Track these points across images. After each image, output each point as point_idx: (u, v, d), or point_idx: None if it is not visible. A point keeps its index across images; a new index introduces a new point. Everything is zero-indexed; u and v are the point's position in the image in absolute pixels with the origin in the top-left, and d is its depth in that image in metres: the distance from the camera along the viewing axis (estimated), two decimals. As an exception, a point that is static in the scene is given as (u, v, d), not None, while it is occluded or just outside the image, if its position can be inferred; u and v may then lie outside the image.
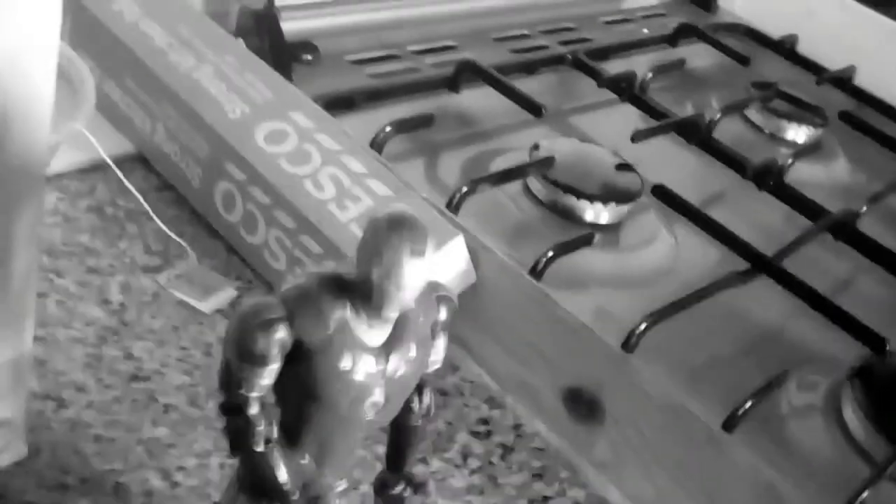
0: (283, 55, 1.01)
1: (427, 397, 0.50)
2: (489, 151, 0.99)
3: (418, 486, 0.52)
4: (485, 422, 0.74)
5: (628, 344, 0.73)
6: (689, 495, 0.68)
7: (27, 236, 0.53)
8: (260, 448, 0.45)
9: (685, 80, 1.24)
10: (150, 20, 0.86)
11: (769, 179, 1.05)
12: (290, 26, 1.03)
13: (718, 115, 1.11)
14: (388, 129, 0.91)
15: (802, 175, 1.08)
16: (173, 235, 0.78)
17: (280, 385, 0.45)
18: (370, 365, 0.44)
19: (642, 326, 0.75)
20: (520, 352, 0.75)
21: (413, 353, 0.46)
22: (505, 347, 0.75)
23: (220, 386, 0.45)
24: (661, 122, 1.08)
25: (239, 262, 0.79)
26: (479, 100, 1.06)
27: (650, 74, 1.16)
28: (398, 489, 0.52)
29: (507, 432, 0.73)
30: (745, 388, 0.73)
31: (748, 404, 0.72)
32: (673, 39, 1.30)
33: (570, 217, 0.92)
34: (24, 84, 0.49)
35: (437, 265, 0.73)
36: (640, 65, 1.19)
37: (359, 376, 0.44)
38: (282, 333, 0.43)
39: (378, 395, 0.45)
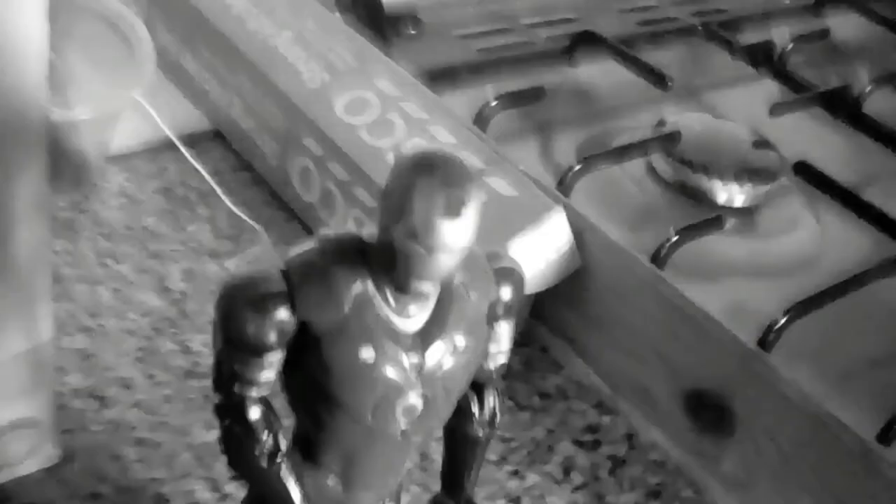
0: (382, 28, 0.93)
1: (490, 400, 0.39)
2: (609, 130, 0.88)
3: None
4: (592, 429, 0.63)
5: (766, 341, 0.62)
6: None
7: (30, 204, 0.46)
8: (263, 463, 0.35)
9: (830, 51, 1.11)
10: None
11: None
12: (393, -1, 0.94)
13: (869, 88, 0.98)
14: (493, 103, 0.81)
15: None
16: (245, 217, 0.70)
17: (290, 383, 0.35)
18: (401, 357, 0.34)
19: (782, 321, 0.63)
20: (634, 349, 0.64)
21: (461, 342, 0.35)
22: (617, 344, 0.65)
23: (213, 383, 0.35)
24: (803, 94, 0.95)
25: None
26: (598, 74, 0.95)
27: (791, 44, 1.04)
28: None
29: (619, 442, 0.63)
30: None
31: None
32: (817, 8, 1.16)
33: (700, 199, 0.80)
34: (14, 24, 0.41)
35: (532, 245, 0.63)
36: (779, 36, 1.06)
37: (385, 371, 0.34)
38: (281, 314, 0.33)
39: (413, 398, 0.35)
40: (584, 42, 0.95)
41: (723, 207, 0.80)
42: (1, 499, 0.52)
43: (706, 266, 0.72)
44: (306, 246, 0.34)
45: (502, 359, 0.39)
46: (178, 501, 0.54)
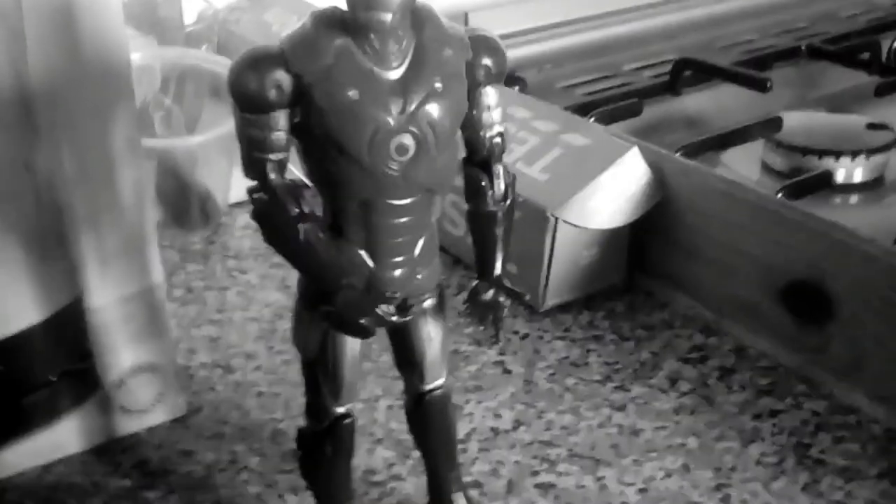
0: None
1: (499, 174, 0.43)
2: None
3: (511, 291, 0.44)
4: (699, 349, 0.64)
5: None
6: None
7: (126, 146, 0.52)
8: (294, 228, 0.39)
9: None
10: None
11: None
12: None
13: None
14: (591, 119, 0.85)
15: None
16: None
17: (302, 147, 0.40)
18: (384, 97, 0.38)
19: None
20: (729, 262, 0.65)
21: (439, 85, 0.39)
22: (711, 262, 0.66)
23: (241, 165, 0.40)
24: (907, 74, 0.95)
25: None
26: (704, 101, 0.98)
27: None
28: (489, 296, 0.44)
29: (726, 356, 0.63)
30: None
31: None
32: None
33: (819, 184, 0.80)
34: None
35: (611, 182, 0.66)
36: (885, 41, 1.07)
37: (372, 109, 0.38)
38: (277, 71, 0.38)
39: (403, 137, 0.38)
40: (685, 69, 0.98)
41: (845, 186, 0.80)
42: (133, 443, 0.57)
43: None
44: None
45: (497, 128, 0.42)
46: (292, 433, 0.57)
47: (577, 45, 1.06)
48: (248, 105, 0.38)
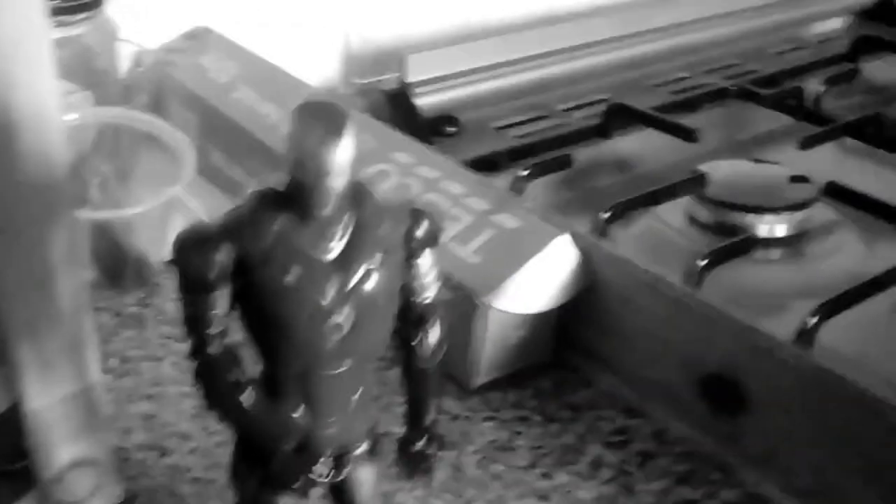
0: (421, 131, 1.00)
1: (434, 334, 0.45)
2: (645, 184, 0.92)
3: (442, 441, 0.46)
4: (621, 432, 0.66)
5: (801, 339, 0.64)
6: (860, 477, 0.57)
7: (66, 254, 0.53)
8: (233, 394, 0.41)
9: (868, 95, 1.13)
10: (267, 102, 0.87)
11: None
12: (428, 100, 1.02)
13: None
14: (524, 172, 0.86)
15: None
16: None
17: (243, 319, 0.41)
18: (320, 280, 0.40)
19: (815, 319, 0.66)
20: (651, 350, 0.67)
21: (376, 264, 0.41)
22: (634, 348, 0.68)
23: (183, 330, 0.42)
24: (831, 125, 0.98)
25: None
26: (634, 144, 1.00)
27: (823, 87, 1.07)
28: (419, 446, 0.46)
29: (647, 440, 0.66)
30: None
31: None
32: (852, 55, 1.19)
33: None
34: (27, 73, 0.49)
35: (541, 268, 0.68)
36: (812, 83, 1.10)
37: (310, 291, 0.40)
38: (218, 251, 0.40)
39: (338, 318, 0.40)
40: (616, 115, 1.00)
41: (768, 241, 0.82)
42: (71, 535, 0.58)
43: (752, 296, 0.74)
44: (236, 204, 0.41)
45: (432, 289, 0.44)
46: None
47: (512, 85, 1.08)
48: (191, 285, 0.40)
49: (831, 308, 0.68)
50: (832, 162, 0.96)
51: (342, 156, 0.38)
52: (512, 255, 0.68)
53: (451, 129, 1.03)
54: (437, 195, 0.74)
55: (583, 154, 0.95)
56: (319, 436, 0.43)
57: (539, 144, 0.98)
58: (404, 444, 0.46)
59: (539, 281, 0.68)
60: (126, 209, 0.74)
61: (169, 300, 0.77)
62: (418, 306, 0.44)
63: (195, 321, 0.40)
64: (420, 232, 0.42)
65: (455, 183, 0.75)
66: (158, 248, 0.78)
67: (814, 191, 0.87)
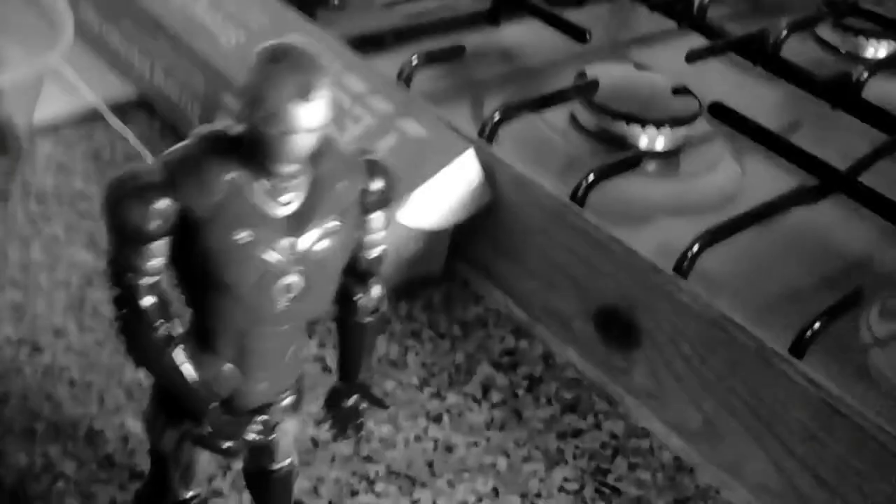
0: (307, 2, 0.95)
1: (374, 289, 0.42)
2: (534, 88, 0.91)
3: (374, 398, 0.45)
4: (510, 353, 0.66)
5: (680, 269, 0.64)
6: (740, 422, 0.59)
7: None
8: (158, 348, 0.38)
9: (751, 5, 1.14)
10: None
11: (844, 95, 0.95)
12: (313, -31, 0.96)
13: (785, 33, 1.01)
14: (414, 60, 0.83)
15: (882, 91, 0.97)
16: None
17: (179, 273, 0.38)
18: (274, 238, 0.37)
19: (695, 248, 0.66)
20: (547, 275, 0.67)
21: (332, 224, 0.38)
22: (530, 272, 0.68)
23: (107, 275, 0.38)
24: (718, 41, 0.99)
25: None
26: (522, 35, 0.98)
27: (709, -3, 1.07)
28: (351, 401, 0.44)
29: (535, 363, 0.66)
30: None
31: (817, 325, 0.63)
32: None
33: (623, 147, 0.82)
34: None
35: (443, 182, 0.66)
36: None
37: (262, 251, 0.37)
38: (161, 202, 0.36)
39: (290, 278, 0.37)
40: (507, 3, 0.98)
41: (646, 153, 0.83)
42: (-63, 438, 0.55)
43: (630, 208, 0.75)
44: (184, 142, 0.37)
45: (379, 248, 0.42)
46: (109, 434, 0.56)
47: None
48: (127, 233, 0.36)
49: (711, 238, 0.69)
50: (713, 73, 0.96)
51: (317, 114, 0.35)
52: (415, 167, 0.66)
53: (336, 3, 0.98)
54: (339, 91, 0.70)
55: (470, 40, 0.93)
56: (252, 389, 0.40)
57: (427, 27, 0.95)
58: (335, 397, 0.44)
59: (442, 196, 0.66)
60: (-5, 74, 0.67)
61: (38, 173, 0.72)
62: (364, 261, 0.41)
63: (124, 270, 0.37)
64: (377, 186, 0.40)
65: (356, 79, 0.71)
66: (27, 116, 0.72)
67: (696, 106, 0.87)
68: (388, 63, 0.83)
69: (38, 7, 0.71)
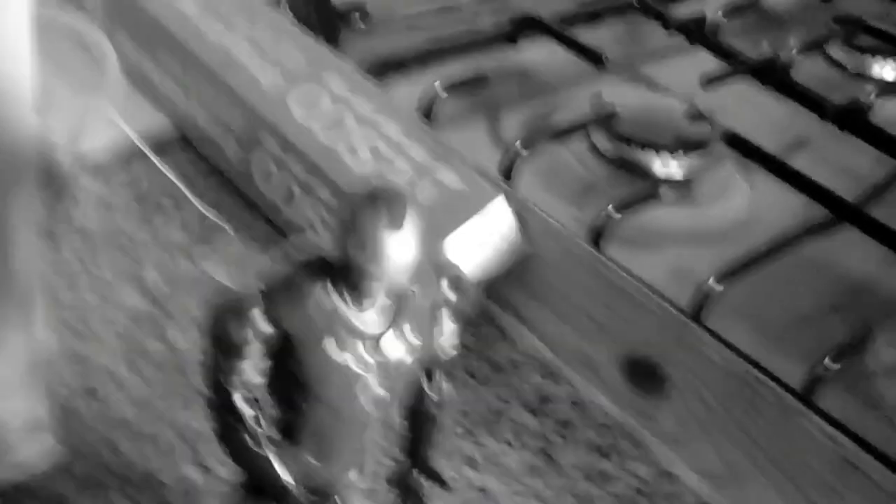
0: (331, 22, 0.97)
1: (441, 384, 0.46)
2: (552, 108, 0.93)
3: (438, 478, 0.48)
4: (543, 398, 0.69)
5: (700, 307, 0.67)
6: (761, 471, 0.63)
7: (25, 225, 0.51)
8: (252, 449, 0.41)
9: (762, 20, 1.15)
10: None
11: (852, 119, 0.97)
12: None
13: (795, 54, 1.02)
14: (439, 90, 0.86)
15: (890, 113, 0.99)
16: (208, 213, 0.75)
17: (273, 381, 0.42)
18: (360, 351, 0.41)
19: (714, 285, 0.69)
20: (576, 321, 0.70)
21: (415, 341, 0.42)
22: (561, 316, 0.71)
23: (204, 381, 0.42)
24: (732, 66, 1.00)
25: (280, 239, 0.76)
26: (540, 54, 1.00)
27: (721, 14, 1.09)
28: (414, 477, 0.48)
29: (566, 406, 0.69)
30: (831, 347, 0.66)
31: (826, 361, 0.66)
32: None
33: (639, 172, 0.84)
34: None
35: (477, 232, 0.69)
36: (711, 8, 1.11)
37: (351, 365, 0.40)
38: (257, 321, 0.39)
39: (377, 389, 0.41)
40: (526, 27, 1.00)
41: (661, 180, 0.85)
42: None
43: (648, 236, 0.77)
44: (276, 265, 0.41)
45: (452, 352, 0.45)
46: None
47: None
48: (224, 349, 0.40)
49: (728, 274, 0.71)
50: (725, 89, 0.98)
51: (405, 249, 0.38)
52: (449, 217, 0.68)
53: (360, 22, 1.00)
54: (374, 134, 0.73)
55: (489, 60, 0.95)
56: (331, 477, 0.44)
57: (448, 50, 0.97)
58: (399, 478, 0.48)
59: (477, 245, 0.69)
60: (47, 122, 0.69)
61: (80, 210, 0.75)
62: (432, 353, 0.45)
63: (222, 377, 0.40)
64: (447, 296, 0.43)
65: (395, 127, 0.74)
66: (75, 156, 0.74)
67: (710, 132, 0.89)
68: (412, 87, 0.86)
69: (84, 48, 0.74)
